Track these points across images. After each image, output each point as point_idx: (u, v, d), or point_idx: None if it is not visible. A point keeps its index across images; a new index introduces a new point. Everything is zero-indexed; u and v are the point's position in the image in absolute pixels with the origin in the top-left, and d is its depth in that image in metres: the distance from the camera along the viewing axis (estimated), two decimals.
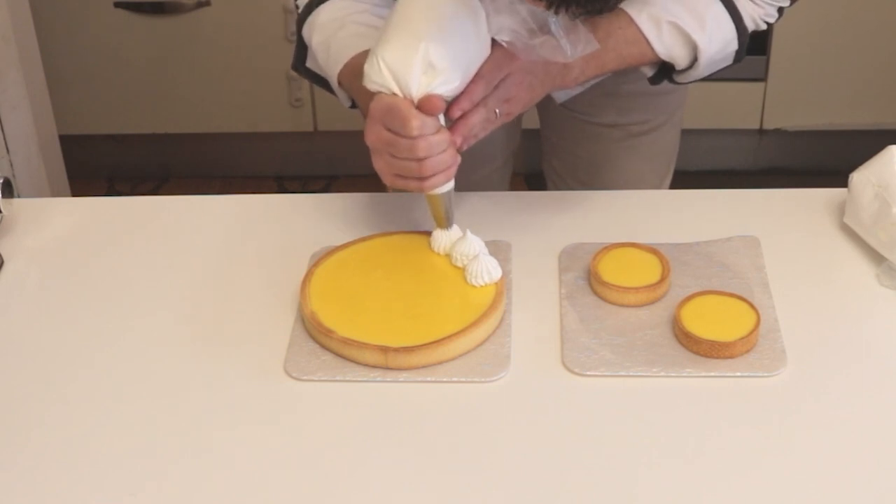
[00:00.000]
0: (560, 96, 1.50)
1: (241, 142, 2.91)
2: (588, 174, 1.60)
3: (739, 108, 2.74)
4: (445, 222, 1.24)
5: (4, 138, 2.15)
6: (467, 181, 1.51)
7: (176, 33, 2.71)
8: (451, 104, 1.18)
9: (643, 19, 1.28)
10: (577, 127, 1.58)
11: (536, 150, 1.69)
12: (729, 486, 1.00)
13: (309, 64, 1.37)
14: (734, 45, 1.32)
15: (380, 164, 1.18)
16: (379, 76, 1.14)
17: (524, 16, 1.17)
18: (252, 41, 2.68)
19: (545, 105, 1.59)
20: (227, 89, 2.77)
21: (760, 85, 2.70)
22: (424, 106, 1.13)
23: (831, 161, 2.41)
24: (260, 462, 1.03)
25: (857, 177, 1.26)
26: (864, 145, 1.47)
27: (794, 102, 2.74)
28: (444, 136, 1.16)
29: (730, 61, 1.34)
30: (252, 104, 2.78)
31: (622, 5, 1.29)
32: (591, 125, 1.57)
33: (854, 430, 1.04)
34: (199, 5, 2.67)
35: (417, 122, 1.13)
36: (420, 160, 1.15)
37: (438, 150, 1.16)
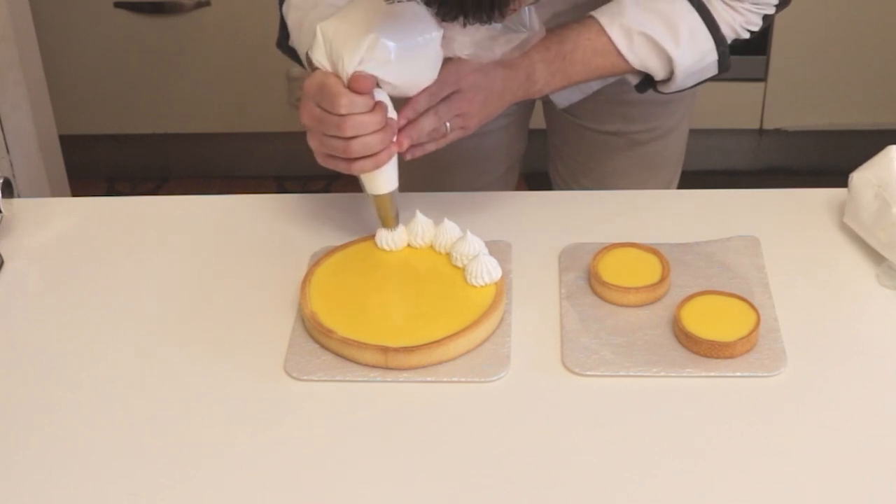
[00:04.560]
0: (561, 101, 1.49)
1: (241, 142, 2.91)
2: (592, 180, 1.59)
3: (739, 108, 2.74)
4: (389, 223, 1.24)
5: (4, 138, 2.15)
6: (470, 187, 1.51)
7: (176, 33, 2.71)
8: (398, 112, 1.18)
9: (614, 29, 1.27)
10: (580, 134, 1.57)
11: (538, 151, 1.69)
12: (729, 486, 1.00)
13: (291, 42, 1.37)
14: (713, 56, 1.29)
15: (313, 142, 1.18)
16: (316, 50, 1.14)
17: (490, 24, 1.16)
18: (252, 41, 2.68)
19: (550, 110, 1.58)
20: (227, 89, 2.76)
21: (760, 85, 2.70)
22: (354, 83, 1.13)
23: (831, 161, 2.41)
24: (260, 462, 1.03)
25: (857, 177, 1.26)
26: (864, 145, 1.47)
27: (794, 102, 2.74)
28: (373, 118, 1.15)
29: (714, 71, 1.32)
30: (252, 104, 2.78)
31: (595, 14, 1.28)
32: (595, 133, 1.55)
33: (854, 430, 1.04)
34: (199, 5, 2.67)
35: (346, 99, 1.13)
36: (347, 139, 1.15)
37: (366, 130, 1.15)
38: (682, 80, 1.31)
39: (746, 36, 1.31)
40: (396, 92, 1.18)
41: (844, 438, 1.04)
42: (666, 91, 1.34)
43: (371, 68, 1.13)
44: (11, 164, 2.15)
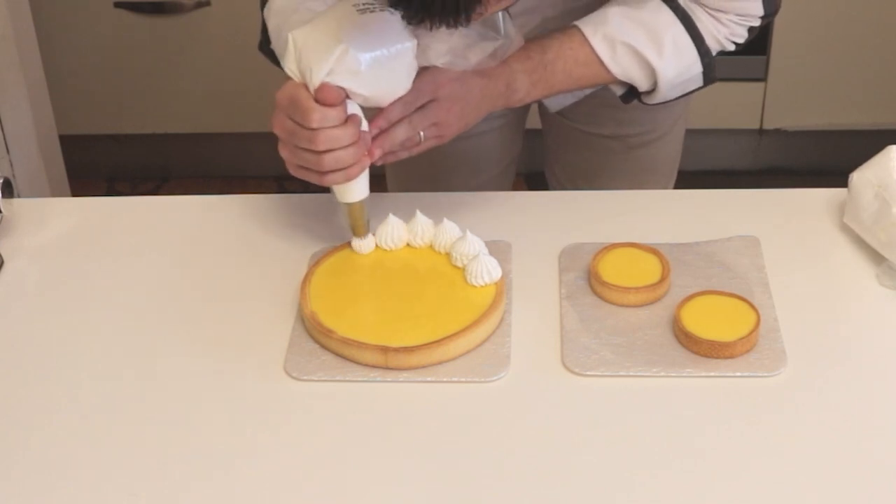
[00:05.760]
0: (553, 105, 1.49)
1: (241, 142, 2.91)
2: (588, 182, 1.58)
3: (739, 108, 2.74)
4: (360, 231, 1.24)
5: (4, 138, 2.14)
6: (465, 186, 1.50)
7: (176, 33, 2.71)
8: (370, 122, 1.18)
9: (597, 39, 1.26)
10: (575, 137, 1.56)
11: (537, 151, 1.69)
12: (729, 486, 1.00)
13: (272, 46, 1.36)
14: (698, 68, 1.29)
15: (284, 153, 1.17)
16: (288, 59, 1.13)
17: (464, 32, 1.15)
18: (252, 41, 2.66)
19: (545, 112, 1.58)
20: (228, 89, 2.76)
21: (760, 85, 2.70)
22: (321, 95, 1.12)
23: (831, 161, 2.41)
24: (260, 462, 1.03)
25: (857, 177, 1.26)
26: (864, 145, 1.47)
27: (794, 102, 2.74)
28: (346, 131, 1.14)
29: (699, 83, 1.31)
30: (252, 104, 2.78)
31: (579, 24, 1.27)
32: (590, 136, 1.55)
33: (854, 430, 1.04)
34: (199, 5, 2.67)
35: (318, 114, 1.12)
36: (319, 153, 1.14)
37: (339, 144, 1.14)
38: (665, 91, 1.30)
39: (731, 48, 1.30)
40: (368, 103, 1.17)
41: (844, 438, 1.04)
42: (650, 102, 1.33)
43: (340, 80, 1.12)
44: (11, 164, 2.15)
